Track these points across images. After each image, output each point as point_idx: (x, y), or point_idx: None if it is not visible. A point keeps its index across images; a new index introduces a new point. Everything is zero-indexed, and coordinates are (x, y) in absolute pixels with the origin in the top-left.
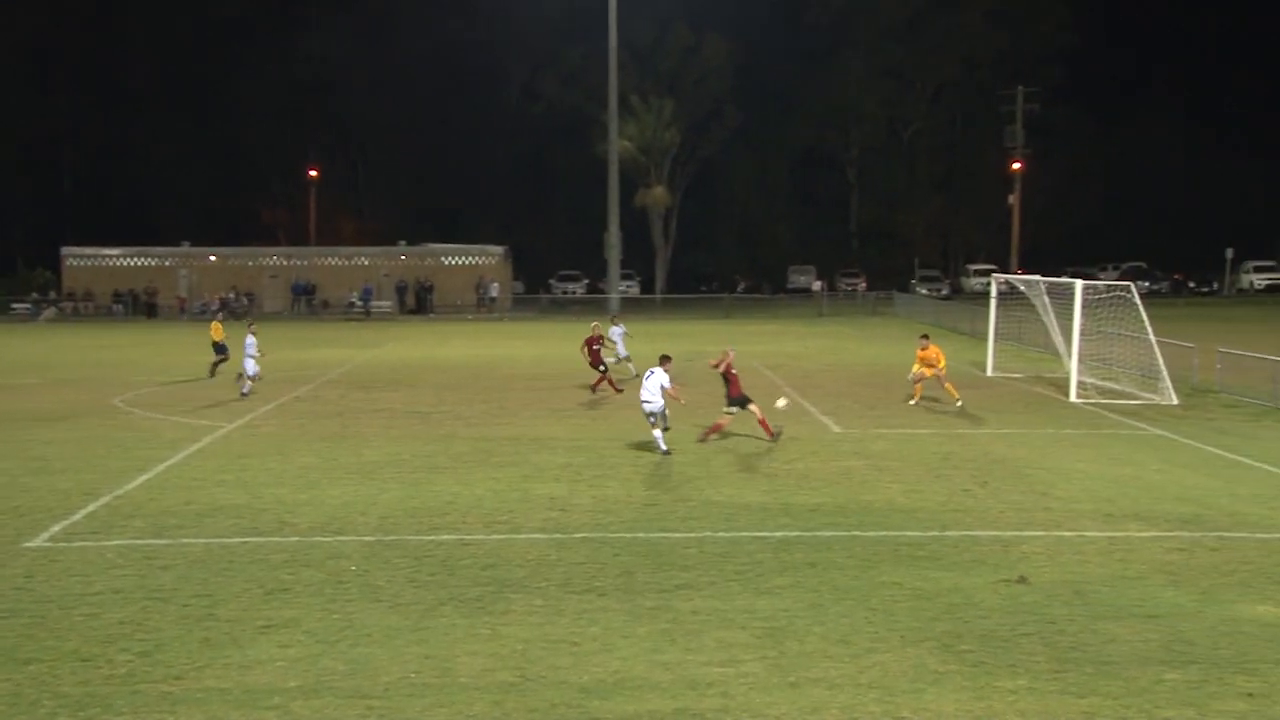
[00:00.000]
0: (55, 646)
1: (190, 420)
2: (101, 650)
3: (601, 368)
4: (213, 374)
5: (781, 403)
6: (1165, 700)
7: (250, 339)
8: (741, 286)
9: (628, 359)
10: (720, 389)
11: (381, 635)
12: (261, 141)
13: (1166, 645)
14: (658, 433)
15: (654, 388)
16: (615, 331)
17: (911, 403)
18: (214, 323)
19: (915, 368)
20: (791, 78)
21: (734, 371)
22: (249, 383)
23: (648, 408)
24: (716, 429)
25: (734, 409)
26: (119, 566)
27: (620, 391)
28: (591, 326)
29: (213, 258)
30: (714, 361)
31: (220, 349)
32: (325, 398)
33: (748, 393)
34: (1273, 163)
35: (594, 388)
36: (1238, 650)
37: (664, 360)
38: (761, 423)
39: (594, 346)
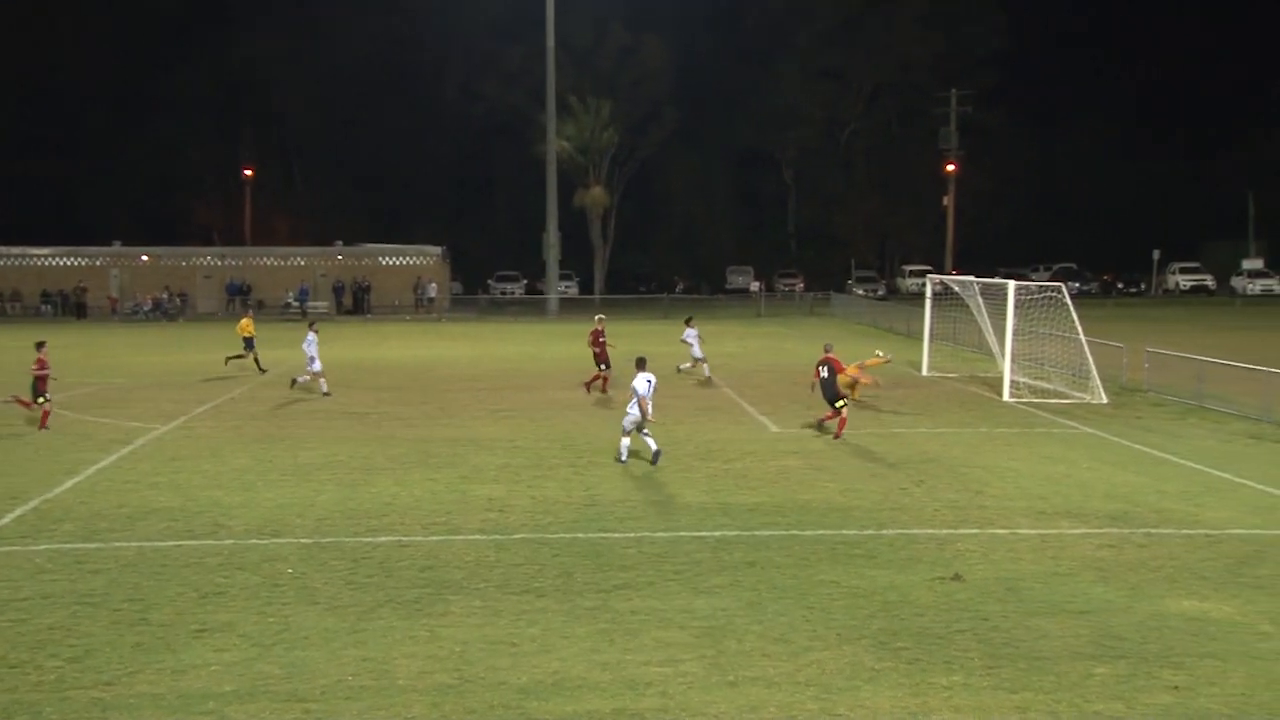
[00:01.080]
0: None
1: (122, 422)
2: (30, 656)
3: (601, 366)
4: (260, 369)
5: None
6: (1095, 694)
7: (311, 336)
8: (680, 287)
9: (703, 360)
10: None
11: (318, 638)
12: (195, 140)
13: (1096, 640)
14: (639, 439)
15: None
16: (690, 334)
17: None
18: (244, 319)
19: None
20: (730, 79)
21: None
22: (322, 380)
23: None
24: (842, 423)
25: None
26: (48, 571)
27: (589, 392)
28: (595, 319)
29: (145, 257)
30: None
31: (249, 344)
32: (261, 398)
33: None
34: (1199, 166)
35: (600, 386)
36: (1164, 644)
37: (643, 363)
38: (838, 420)
39: (600, 339)
